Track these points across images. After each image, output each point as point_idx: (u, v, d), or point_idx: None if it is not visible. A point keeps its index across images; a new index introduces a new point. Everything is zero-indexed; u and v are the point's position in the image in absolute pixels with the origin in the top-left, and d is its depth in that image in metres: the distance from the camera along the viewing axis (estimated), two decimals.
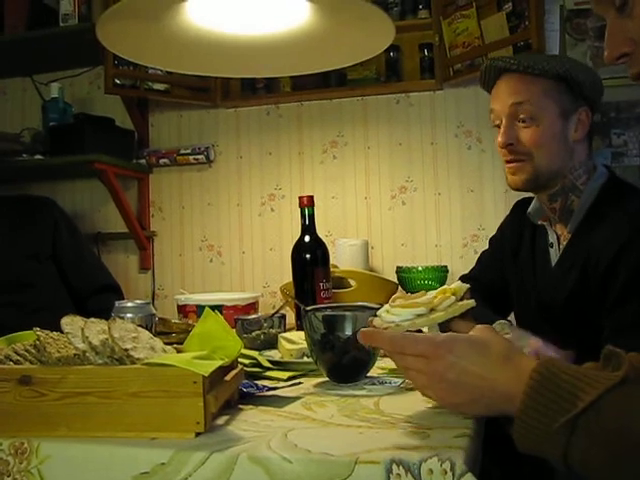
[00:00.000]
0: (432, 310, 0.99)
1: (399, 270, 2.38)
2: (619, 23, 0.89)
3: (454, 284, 1.04)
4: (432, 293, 1.03)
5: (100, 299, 2.29)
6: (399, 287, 2.34)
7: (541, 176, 1.57)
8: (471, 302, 0.99)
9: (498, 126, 1.61)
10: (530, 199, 1.73)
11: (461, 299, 1.04)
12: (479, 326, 0.94)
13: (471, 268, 1.93)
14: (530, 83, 1.56)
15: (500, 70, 1.61)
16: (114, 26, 1.59)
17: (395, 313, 1.01)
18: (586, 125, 1.57)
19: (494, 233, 1.91)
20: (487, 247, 1.93)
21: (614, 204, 1.53)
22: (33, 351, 1.02)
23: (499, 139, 1.58)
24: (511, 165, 1.60)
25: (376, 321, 1.05)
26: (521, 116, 1.56)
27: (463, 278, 1.91)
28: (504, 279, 1.80)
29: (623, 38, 0.89)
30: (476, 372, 0.87)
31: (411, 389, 1.16)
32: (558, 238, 1.64)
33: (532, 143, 1.56)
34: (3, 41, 2.90)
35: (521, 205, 1.81)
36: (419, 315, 0.98)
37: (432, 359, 0.89)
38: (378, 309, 1.24)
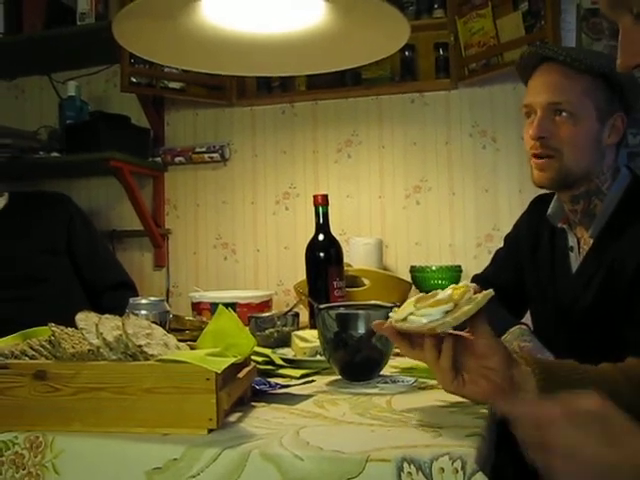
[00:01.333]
0: (456, 306, 0.96)
1: (413, 269, 2.38)
2: (636, 30, 0.86)
3: (460, 283, 1.02)
4: (447, 291, 1.01)
5: (115, 295, 2.30)
6: (412, 286, 2.34)
7: (569, 176, 1.51)
8: (490, 291, 0.96)
9: (529, 115, 1.55)
10: (548, 196, 1.69)
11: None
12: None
13: (485, 268, 1.91)
14: (572, 79, 1.49)
15: (543, 59, 1.54)
16: (130, 25, 1.60)
17: (422, 314, 0.98)
18: (620, 131, 1.53)
19: (509, 231, 1.88)
20: (501, 246, 1.90)
21: (639, 207, 1.49)
22: (48, 346, 1.03)
23: (531, 131, 1.51)
24: (539, 161, 1.52)
25: (400, 324, 1.00)
26: (561, 111, 1.49)
27: (476, 278, 1.89)
28: (520, 279, 1.76)
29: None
30: None
31: (423, 388, 1.16)
32: (578, 242, 1.60)
33: (566, 141, 1.48)
34: (21, 40, 2.91)
35: (539, 203, 1.75)
36: (447, 312, 0.95)
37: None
38: (391, 308, 1.25)
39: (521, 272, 1.77)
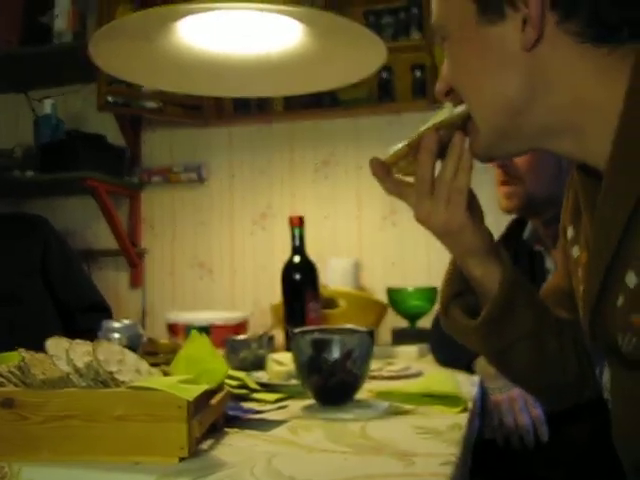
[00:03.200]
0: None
1: (389, 291, 2.37)
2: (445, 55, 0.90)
3: None
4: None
5: (89, 317, 2.27)
6: (389, 308, 2.33)
7: (534, 202, 1.54)
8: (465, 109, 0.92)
9: None
10: (524, 218, 1.71)
11: None
12: None
13: None
14: None
15: None
16: (107, 45, 1.60)
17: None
18: None
19: None
20: None
21: None
22: (17, 373, 1.01)
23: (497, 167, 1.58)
24: (504, 188, 1.58)
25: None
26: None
27: None
28: None
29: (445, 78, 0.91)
30: None
31: (398, 413, 1.16)
32: (556, 264, 1.62)
33: (525, 166, 1.53)
34: None
35: (516, 225, 1.77)
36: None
37: None
38: (365, 332, 1.25)
39: None
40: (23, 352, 1.01)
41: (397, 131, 2.84)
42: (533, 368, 1.03)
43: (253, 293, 2.95)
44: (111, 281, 3.11)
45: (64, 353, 0.97)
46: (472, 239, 0.99)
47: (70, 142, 2.83)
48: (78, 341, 1.02)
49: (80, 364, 0.95)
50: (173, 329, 2.32)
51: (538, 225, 1.62)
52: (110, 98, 2.79)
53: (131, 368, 0.99)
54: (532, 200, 1.55)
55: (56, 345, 0.99)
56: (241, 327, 2.34)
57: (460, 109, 0.91)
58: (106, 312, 2.37)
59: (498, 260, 1.00)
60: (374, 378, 1.47)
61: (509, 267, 0.99)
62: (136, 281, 3.07)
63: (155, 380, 0.97)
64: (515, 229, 1.77)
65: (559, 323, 1.03)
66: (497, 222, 2.58)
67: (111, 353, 0.99)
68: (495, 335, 0.99)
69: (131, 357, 1.04)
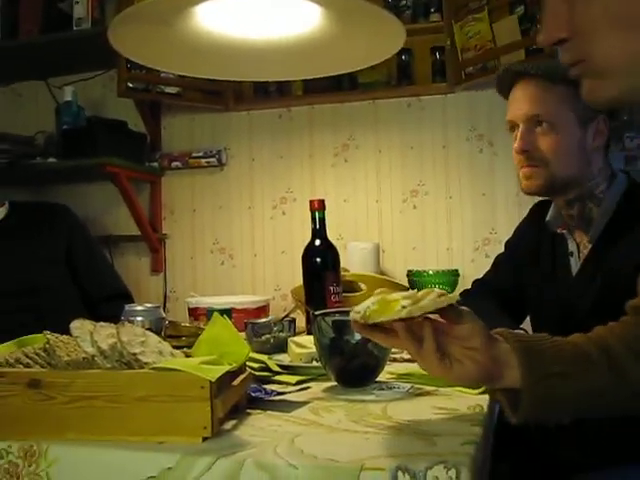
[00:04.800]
0: (416, 301, 0.92)
1: (410, 274, 2.38)
2: (559, 3, 0.84)
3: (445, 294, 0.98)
4: (411, 292, 0.97)
5: (111, 305, 2.30)
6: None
7: (556, 183, 1.54)
8: (455, 295, 0.95)
9: (513, 130, 1.59)
10: (547, 202, 1.70)
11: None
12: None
13: (486, 272, 1.91)
14: (548, 90, 1.52)
15: (517, 75, 1.58)
16: (126, 30, 1.60)
17: (372, 306, 0.95)
18: (604, 133, 1.54)
19: (510, 236, 1.88)
20: (502, 250, 1.90)
21: (636, 212, 1.49)
22: (43, 354, 1.02)
23: (515, 145, 1.56)
24: (526, 169, 1.57)
25: (357, 316, 0.97)
26: (541, 122, 1.52)
27: (476, 282, 1.90)
28: (520, 284, 1.76)
29: (563, 21, 0.85)
30: None
31: (419, 394, 1.16)
32: (578, 246, 1.60)
33: (550, 151, 1.52)
34: (18, 45, 2.91)
35: (539, 208, 1.76)
36: (403, 307, 0.92)
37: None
38: None
39: (521, 277, 1.77)
40: (48, 334, 1.02)
41: (416, 113, 2.83)
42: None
43: (273, 277, 2.96)
44: (132, 267, 3.13)
45: (88, 335, 0.98)
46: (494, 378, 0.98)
47: (91, 128, 2.84)
48: (102, 323, 1.03)
49: (104, 346, 0.96)
50: (194, 313, 2.33)
51: (561, 205, 1.60)
52: (130, 84, 2.79)
53: (154, 350, 1.00)
54: (554, 181, 1.54)
55: (81, 327, 1.00)
56: (262, 310, 2.36)
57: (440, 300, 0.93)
58: (129, 300, 2.40)
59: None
60: (395, 360, 1.47)
61: (526, 369, 0.97)
62: (157, 266, 3.09)
63: (178, 361, 0.98)
64: (537, 213, 1.76)
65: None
66: (519, 203, 2.59)
67: (134, 335, 1.01)
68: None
69: (154, 339, 1.05)
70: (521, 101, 1.57)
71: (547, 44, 0.88)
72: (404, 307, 0.90)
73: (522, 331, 1.51)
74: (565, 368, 0.96)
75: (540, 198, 1.74)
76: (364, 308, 0.95)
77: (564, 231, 1.63)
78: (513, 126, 1.59)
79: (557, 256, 1.65)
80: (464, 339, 0.96)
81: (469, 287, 1.91)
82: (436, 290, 0.95)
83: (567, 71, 1.49)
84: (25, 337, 1.12)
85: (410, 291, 0.97)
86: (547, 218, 1.66)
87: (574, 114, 1.51)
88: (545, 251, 1.69)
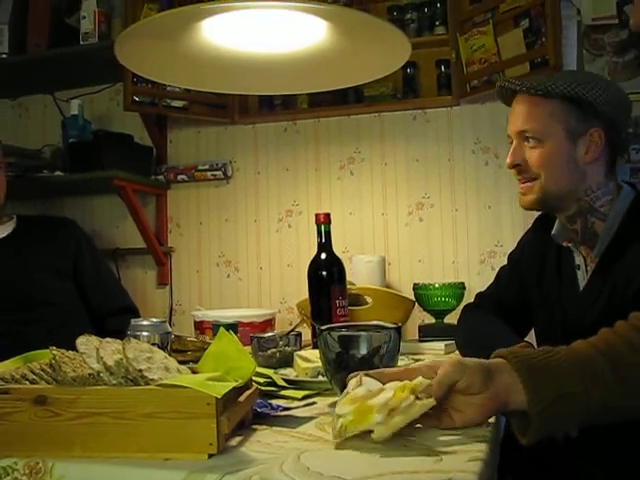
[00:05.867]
0: (391, 411, 0.93)
1: (416, 287, 2.37)
2: None
3: (415, 380, 0.98)
4: (390, 389, 0.97)
5: (118, 320, 2.31)
6: (415, 304, 2.33)
7: (549, 197, 1.55)
8: (431, 401, 0.95)
9: (512, 144, 1.61)
10: (551, 215, 1.70)
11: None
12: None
13: (489, 285, 1.91)
14: (538, 105, 1.54)
15: (511, 92, 1.61)
16: (132, 45, 1.61)
17: (348, 417, 0.95)
18: (599, 145, 1.52)
19: (513, 249, 1.88)
20: (505, 263, 1.89)
21: None
22: (49, 370, 1.02)
23: (507, 159, 1.59)
24: (521, 185, 1.59)
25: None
26: (528, 137, 1.54)
27: (480, 296, 1.89)
28: (524, 297, 1.76)
29: None
30: None
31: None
32: (585, 260, 1.60)
33: (538, 164, 1.53)
34: (25, 60, 2.93)
35: (543, 221, 1.75)
36: (377, 423, 0.92)
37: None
38: (393, 329, 1.25)
39: (525, 290, 1.76)
40: (54, 350, 1.02)
41: (422, 126, 2.83)
42: None
43: (279, 290, 2.95)
44: (138, 279, 3.13)
45: (94, 351, 0.98)
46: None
47: (97, 142, 2.85)
48: (108, 339, 1.03)
49: (110, 362, 0.96)
50: (200, 327, 2.33)
51: (563, 221, 1.61)
52: (136, 98, 2.81)
53: (160, 366, 1.00)
54: (548, 195, 1.55)
55: (86, 343, 1.01)
56: (268, 324, 2.36)
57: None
58: (135, 315, 2.41)
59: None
60: None
61: (533, 397, 0.97)
62: (163, 279, 3.09)
63: (184, 378, 0.98)
64: (541, 225, 1.76)
65: None
66: (524, 216, 2.59)
67: (140, 351, 1.01)
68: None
69: (160, 355, 1.05)
70: (514, 116, 1.59)
71: (637, 27, 0.91)
72: (377, 423, 0.92)
73: (526, 343, 1.51)
74: (572, 388, 0.96)
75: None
76: (341, 418, 0.95)
77: (570, 244, 1.63)
78: (511, 142, 1.61)
79: (563, 269, 1.65)
80: (462, 391, 0.99)
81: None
82: (411, 396, 0.95)
83: (553, 85, 1.50)
84: (31, 353, 1.13)
85: (384, 396, 0.96)
86: (552, 231, 1.65)
87: (563, 128, 1.52)
88: (550, 264, 1.68)
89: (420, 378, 0.98)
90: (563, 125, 1.52)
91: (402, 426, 0.91)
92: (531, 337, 1.76)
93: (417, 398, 0.94)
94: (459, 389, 0.98)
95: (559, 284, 1.65)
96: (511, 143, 1.61)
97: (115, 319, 2.36)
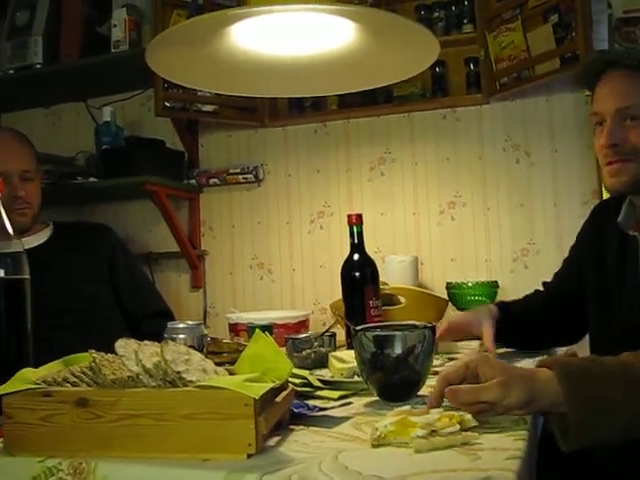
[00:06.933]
0: (433, 432, 0.93)
1: (449, 286, 2.37)
2: None
3: (466, 415, 1.00)
4: (436, 412, 0.99)
5: (153, 324, 2.34)
6: (449, 303, 2.32)
7: None
8: (475, 435, 0.95)
9: (599, 124, 1.53)
10: (611, 202, 1.63)
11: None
12: None
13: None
14: (638, 82, 1.46)
15: (608, 65, 1.52)
16: (163, 52, 1.63)
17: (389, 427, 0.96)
18: None
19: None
20: (544, 261, 1.86)
21: None
22: (89, 373, 1.04)
23: (602, 140, 1.50)
24: (612, 166, 1.50)
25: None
26: (629, 116, 1.47)
27: (544, 284, 1.89)
28: (581, 287, 1.71)
29: None
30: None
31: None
32: None
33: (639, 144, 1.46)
34: (59, 70, 2.99)
35: (602, 210, 1.72)
36: (418, 437, 0.92)
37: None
38: (427, 328, 1.25)
39: (583, 279, 1.72)
40: (94, 353, 1.04)
41: (452, 125, 2.83)
42: None
43: (312, 291, 2.97)
44: (172, 283, 3.16)
45: (133, 354, 1.00)
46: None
47: (130, 148, 2.89)
48: (146, 342, 1.05)
49: (149, 364, 0.97)
50: (235, 329, 2.35)
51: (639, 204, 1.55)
52: (167, 103, 2.84)
53: (197, 368, 1.01)
54: None
55: (125, 346, 1.02)
56: (302, 325, 2.36)
57: None
58: (170, 318, 2.43)
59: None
60: (437, 374, 1.47)
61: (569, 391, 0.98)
62: (197, 282, 3.12)
63: (222, 379, 0.99)
64: (599, 214, 1.72)
65: None
66: (557, 213, 2.57)
67: (178, 353, 1.02)
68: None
69: (197, 357, 1.06)
70: (611, 93, 1.50)
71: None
72: (418, 436, 0.92)
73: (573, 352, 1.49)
74: (614, 397, 0.96)
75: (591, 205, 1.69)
76: (382, 426, 0.96)
77: (636, 233, 1.57)
78: (599, 120, 1.53)
79: (627, 259, 1.58)
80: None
81: (508, 299, 1.91)
82: (456, 416, 0.97)
83: None
84: (71, 356, 1.14)
85: (432, 415, 0.97)
86: (619, 219, 1.59)
87: None
88: (611, 253, 1.62)
89: (470, 416, 1.00)
90: None
91: (441, 448, 0.91)
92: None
93: (461, 430, 0.95)
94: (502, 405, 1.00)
95: (621, 276, 1.58)
96: (597, 123, 1.53)
97: (150, 323, 2.39)
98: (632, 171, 1.48)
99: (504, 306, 1.82)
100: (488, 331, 1.73)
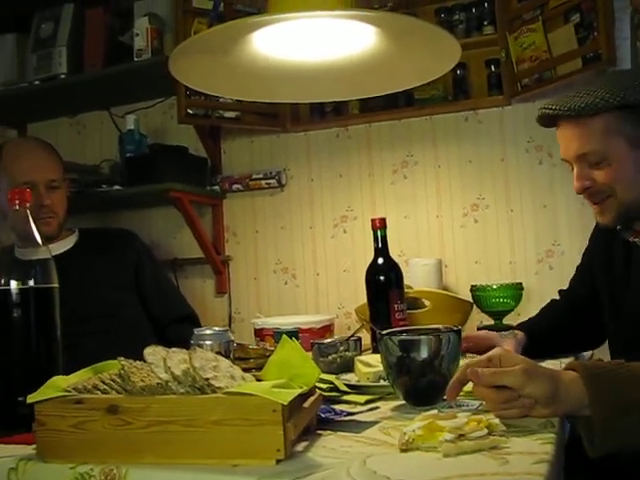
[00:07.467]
0: (461, 436, 0.93)
1: (473, 289, 2.36)
2: None
3: (494, 420, 1.01)
4: (464, 417, 0.99)
5: (179, 328, 2.36)
6: (474, 306, 2.32)
7: (629, 209, 1.48)
8: (503, 439, 0.95)
9: (571, 165, 1.55)
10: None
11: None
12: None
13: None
14: (588, 126, 1.47)
15: (552, 118, 1.55)
16: (185, 60, 1.64)
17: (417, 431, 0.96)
18: None
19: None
20: (566, 262, 1.88)
21: None
22: (118, 380, 1.05)
23: (574, 185, 1.53)
24: (595, 208, 1.53)
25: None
26: (590, 161, 1.49)
27: (558, 291, 1.92)
28: (595, 293, 1.73)
29: None
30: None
31: (488, 411, 1.15)
32: None
33: (609, 182, 1.48)
34: (83, 79, 3.02)
35: None
36: (446, 441, 0.93)
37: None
38: (453, 332, 1.25)
39: (595, 286, 1.73)
40: (122, 360, 1.05)
41: (474, 127, 2.82)
42: None
43: (337, 295, 2.97)
44: (197, 289, 3.18)
45: (162, 361, 1.01)
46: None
47: (153, 155, 2.91)
48: (174, 349, 1.06)
49: (177, 371, 0.98)
50: (260, 334, 2.36)
51: (638, 227, 1.56)
52: (190, 110, 2.85)
53: (225, 374, 1.02)
54: (627, 207, 1.48)
55: (154, 353, 1.03)
56: (327, 329, 2.37)
57: None
58: (195, 323, 2.45)
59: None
60: None
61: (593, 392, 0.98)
62: (221, 288, 3.13)
63: (250, 385, 1.00)
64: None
65: None
66: (582, 214, 2.55)
67: (206, 360, 1.03)
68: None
69: (225, 363, 1.07)
70: (566, 141, 1.53)
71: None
72: (446, 440, 0.92)
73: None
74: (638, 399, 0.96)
75: None
76: (410, 430, 0.96)
77: (636, 239, 1.58)
78: (569, 165, 1.56)
79: (632, 262, 1.60)
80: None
81: (533, 301, 1.91)
82: (484, 420, 0.98)
83: (600, 101, 1.42)
84: (100, 363, 1.16)
85: (459, 420, 0.97)
86: (618, 226, 1.61)
87: (623, 139, 1.45)
88: (619, 260, 1.64)
89: (497, 420, 1.00)
90: (622, 136, 1.46)
91: (469, 452, 0.92)
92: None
93: (489, 434, 0.96)
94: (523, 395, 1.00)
95: (627, 281, 1.60)
96: (570, 166, 1.56)
97: (176, 327, 2.41)
98: (614, 206, 1.50)
99: (527, 328, 1.82)
100: (511, 348, 1.73)
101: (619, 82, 1.47)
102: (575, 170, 1.53)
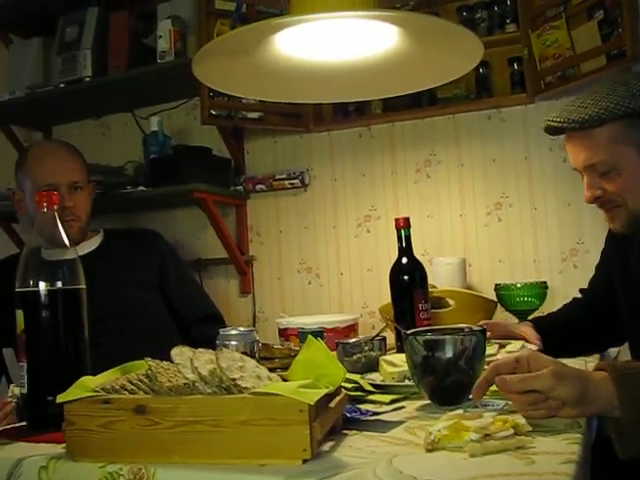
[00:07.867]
0: (486, 436, 0.93)
1: (497, 288, 2.35)
2: None
3: (521, 420, 1.00)
4: (490, 416, 0.99)
5: (203, 327, 2.37)
6: (498, 305, 2.31)
7: (639, 217, 1.50)
8: (530, 439, 0.95)
9: (581, 174, 1.56)
10: None
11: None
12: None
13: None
14: (595, 137, 1.46)
15: (557, 131, 1.55)
16: (208, 62, 1.66)
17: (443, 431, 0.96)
18: None
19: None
20: (590, 260, 1.88)
21: None
22: (146, 380, 1.06)
23: (585, 194, 1.53)
24: (606, 215, 1.54)
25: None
26: (599, 171, 1.48)
27: (580, 290, 1.93)
28: (613, 294, 1.73)
29: None
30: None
31: (514, 411, 1.15)
32: None
33: (620, 191, 1.47)
34: (107, 82, 3.04)
35: None
36: (472, 440, 0.93)
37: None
38: (478, 331, 1.25)
39: (613, 286, 1.73)
40: (150, 361, 1.07)
41: (497, 125, 2.81)
42: None
43: (360, 295, 2.97)
44: (221, 289, 3.19)
45: (189, 362, 1.02)
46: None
47: (177, 156, 2.93)
48: (201, 350, 1.07)
49: (204, 372, 0.99)
50: (284, 334, 2.37)
51: None
52: (213, 111, 2.87)
53: (252, 374, 1.03)
54: (637, 218, 1.48)
55: (181, 354, 1.04)
56: (351, 329, 2.37)
57: None
58: (220, 322, 2.46)
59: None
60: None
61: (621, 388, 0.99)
62: (246, 288, 3.15)
63: (276, 385, 1.00)
64: None
65: None
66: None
67: (232, 360, 1.04)
68: None
69: (251, 364, 1.08)
70: (574, 152, 1.53)
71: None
72: (472, 440, 0.92)
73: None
74: None
75: None
76: (436, 430, 0.96)
77: None
78: (580, 174, 1.56)
79: None
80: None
81: (557, 299, 1.91)
82: (510, 420, 0.97)
83: (605, 112, 1.41)
84: (128, 364, 1.17)
85: (485, 419, 0.97)
86: None
87: (632, 147, 1.45)
88: (634, 260, 1.64)
89: (524, 420, 1.00)
90: (631, 144, 1.45)
91: (494, 452, 0.92)
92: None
93: (515, 434, 0.96)
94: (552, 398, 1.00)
95: None
96: (581, 175, 1.56)
97: (200, 326, 2.42)
98: (624, 215, 1.50)
99: (537, 323, 1.83)
100: (528, 330, 1.74)
101: (625, 89, 1.45)
102: (585, 180, 1.53)
